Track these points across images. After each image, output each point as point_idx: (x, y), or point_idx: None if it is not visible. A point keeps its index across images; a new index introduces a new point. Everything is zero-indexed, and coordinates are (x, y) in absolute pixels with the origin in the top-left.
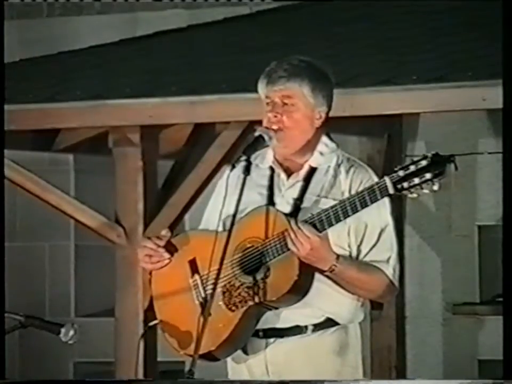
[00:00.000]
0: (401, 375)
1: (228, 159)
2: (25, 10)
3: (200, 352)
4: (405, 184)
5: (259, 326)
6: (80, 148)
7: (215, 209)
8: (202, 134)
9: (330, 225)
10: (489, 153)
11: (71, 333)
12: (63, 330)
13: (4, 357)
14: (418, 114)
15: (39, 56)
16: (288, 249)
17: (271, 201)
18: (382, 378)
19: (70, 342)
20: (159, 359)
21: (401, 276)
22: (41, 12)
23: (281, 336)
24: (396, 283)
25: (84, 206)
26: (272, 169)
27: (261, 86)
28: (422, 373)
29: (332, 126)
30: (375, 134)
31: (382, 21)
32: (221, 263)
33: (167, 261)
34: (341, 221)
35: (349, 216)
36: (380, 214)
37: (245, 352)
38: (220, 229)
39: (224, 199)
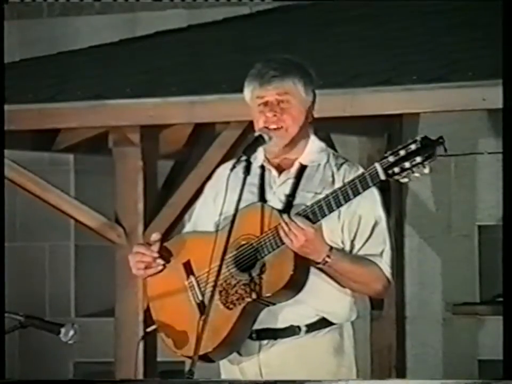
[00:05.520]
0: (401, 375)
1: (228, 159)
2: (25, 10)
3: (200, 352)
4: (396, 169)
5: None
6: (80, 148)
7: (208, 208)
8: (202, 134)
9: (323, 215)
10: (489, 153)
11: (71, 333)
12: (63, 330)
13: (4, 357)
14: (418, 114)
15: (39, 56)
16: (283, 243)
17: (262, 198)
18: (382, 378)
19: (70, 342)
20: (159, 359)
21: (401, 276)
22: (41, 12)
23: (275, 338)
24: (390, 276)
25: (84, 206)
26: (263, 167)
27: (252, 87)
28: (422, 373)
29: (332, 126)
30: (375, 134)
31: (382, 21)
32: (222, 260)
33: (160, 268)
34: (333, 210)
35: (341, 205)
36: (372, 208)
37: (239, 353)
38: (213, 229)
39: (224, 199)
